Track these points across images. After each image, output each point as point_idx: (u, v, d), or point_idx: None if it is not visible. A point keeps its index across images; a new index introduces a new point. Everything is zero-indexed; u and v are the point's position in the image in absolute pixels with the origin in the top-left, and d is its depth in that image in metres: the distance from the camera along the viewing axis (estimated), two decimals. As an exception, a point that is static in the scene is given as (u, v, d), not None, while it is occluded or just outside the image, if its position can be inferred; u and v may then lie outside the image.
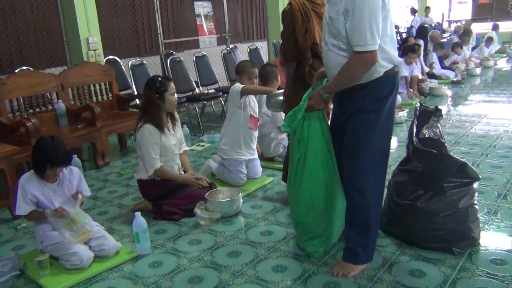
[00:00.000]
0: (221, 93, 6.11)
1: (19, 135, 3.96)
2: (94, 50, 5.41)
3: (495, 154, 4.12)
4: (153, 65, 7.02)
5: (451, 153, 2.54)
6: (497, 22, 12.58)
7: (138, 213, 2.71)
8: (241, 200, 3.25)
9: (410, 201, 2.56)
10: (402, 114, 5.48)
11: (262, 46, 8.83)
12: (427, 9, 13.78)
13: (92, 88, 5.01)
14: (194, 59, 6.58)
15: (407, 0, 16.20)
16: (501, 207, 3.03)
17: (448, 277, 2.28)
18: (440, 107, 2.73)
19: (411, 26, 12.89)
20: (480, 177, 2.54)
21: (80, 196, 2.64)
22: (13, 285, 2.50)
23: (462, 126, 5.17)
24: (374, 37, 2.03)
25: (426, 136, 2.59)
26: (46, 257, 2.53)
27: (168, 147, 3.23)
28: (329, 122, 2.54)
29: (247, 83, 3.70)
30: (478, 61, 9.75)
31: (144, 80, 3.44)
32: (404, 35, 11.74)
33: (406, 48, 6.98)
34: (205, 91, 6.50)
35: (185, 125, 4.62)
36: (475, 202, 2.54)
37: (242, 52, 7.89)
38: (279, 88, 3.78)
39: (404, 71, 6.63)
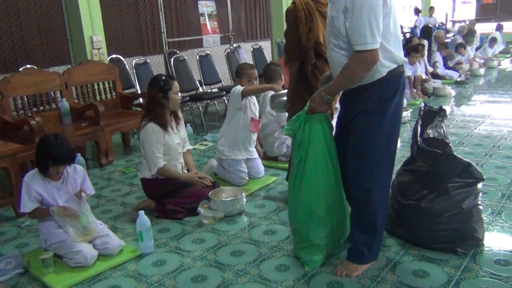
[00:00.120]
0: (224, 92, 6.12)
1: (23, 133, 3.97)
2: (98, 49, 5.43)
3: (499, 154, 4.11)
4: (156, 64, 7.03)
5: (455, 153, 2.54)
6: (501, 23, 12.55)
7: (141, 212, 2.72)
8: (245, 199, 3.26)
9: (414, 201, 2.55)
10: (406, 114, 5.47)
11: (266, 46, 8.82)
12: (431, 9, 13.70)
13: (96, 87, 5.02)
14: (197, 58, 6.59)
15: (411, 0, 16.16)
16: (505, 207, 3.02)
17: (452, 277, 2.28)
18: (443, 107, 2.72)
19: (415, 26, 12.84)
20: (484, 177, 2.53)
21: (83, 194, 2.65)
22: (17, 283, 2.51)
23: (465, 127, 5.15)
24: (374, 35, 1.98)
25: (431, 136, 2.58)
26: (50, 255, 2.54)
27: (172, 146, 3.23)
28: (333, 122, 2.53)
29: (247, 85, 3.69)
30: (482, 61, 9.71)
31: (148, 79, 3.45)
32: (407, 35, 11.71)
33: (410, 48, 6.97)
34: (209, 90, 6.52)
35: (188, 124, 4.62)
36: (479, 202, 2.53)
37: (245, 52, 7.88)
38: (283, 88, 3.78)
39: (408, 71, 6.62)
